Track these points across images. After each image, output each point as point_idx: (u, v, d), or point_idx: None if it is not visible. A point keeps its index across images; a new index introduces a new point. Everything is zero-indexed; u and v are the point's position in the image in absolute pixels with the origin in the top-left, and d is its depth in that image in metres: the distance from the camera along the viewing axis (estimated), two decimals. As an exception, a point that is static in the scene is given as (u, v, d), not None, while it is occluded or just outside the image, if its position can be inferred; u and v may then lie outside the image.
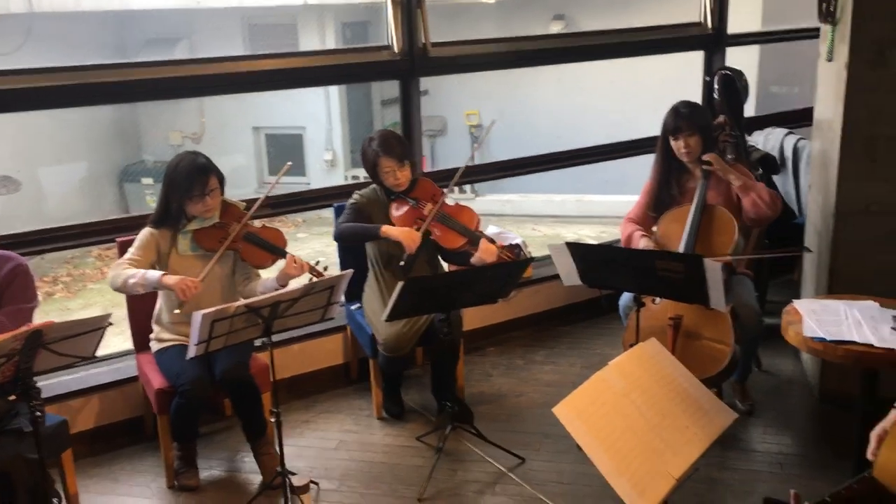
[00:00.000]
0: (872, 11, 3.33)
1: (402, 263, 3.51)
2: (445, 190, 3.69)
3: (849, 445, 2.90)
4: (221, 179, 3.25)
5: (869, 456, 2.03)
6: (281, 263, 3.28)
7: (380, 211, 3.68)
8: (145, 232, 3.24)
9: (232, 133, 10.26)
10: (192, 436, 3.29)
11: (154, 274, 3.08)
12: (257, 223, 3.46)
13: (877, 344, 2.52)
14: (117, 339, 4.21)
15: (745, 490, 3.13)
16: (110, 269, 3.21)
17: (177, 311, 3.19)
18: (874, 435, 2.04)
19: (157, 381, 3.21)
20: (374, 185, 3.74)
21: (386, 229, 3.51)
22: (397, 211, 3.64)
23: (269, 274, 3.40)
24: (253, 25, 9.67)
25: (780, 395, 3.87)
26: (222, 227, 3.26)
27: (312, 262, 3.26)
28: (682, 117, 3.59)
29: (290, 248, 3.37)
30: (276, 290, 3.14)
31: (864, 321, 2.66)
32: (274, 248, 3.30)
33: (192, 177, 3.15)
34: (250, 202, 3.41)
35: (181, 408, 3.12)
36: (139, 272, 3.09)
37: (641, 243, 3.60)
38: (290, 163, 3.50)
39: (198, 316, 2.62)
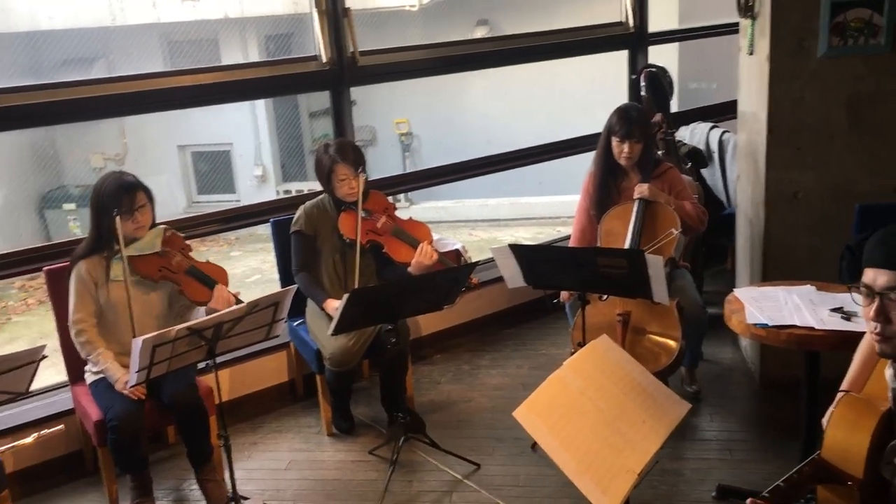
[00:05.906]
0: (790, 4, 3.43)
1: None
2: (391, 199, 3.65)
3: (791, 427, 2.98)
4: (150, 195, 3.16)
5: None
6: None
7: (327, 224, 3.61)
8: (76, 278, 3.12)
9: (156, 153, 9.94)
10: (141, 464, 3.12)
11: (113, 376, 3.05)
12: (201, 258, 3.35)
13: (817, 327, 2.57)
14: (47, 371, 4.02)
15: (698, 479, 3.17)
16: (73, 335, 3.14)
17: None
18: (825, 422, 2.06)
19: (94, 413, 3.08)
20: (321, 197, 3.67)
21: (326, 304, 3.50)
22: (347, 222, 3.57)
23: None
24: (172, 42, 9.40)
25: (723, 382, 3.94)
26: (164, 256, 3.16)
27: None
28: (634, 122, 3.54)
29: (225, 266, 3.29)
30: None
31: (803, 305, 2.72)
32: (214, 283, 3.20)
33: (118, 194, 3.05)
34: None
35: (115, 442, 2.99)
36: (106, 364, 3.07)
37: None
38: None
39: (138, 342, 2.52)
